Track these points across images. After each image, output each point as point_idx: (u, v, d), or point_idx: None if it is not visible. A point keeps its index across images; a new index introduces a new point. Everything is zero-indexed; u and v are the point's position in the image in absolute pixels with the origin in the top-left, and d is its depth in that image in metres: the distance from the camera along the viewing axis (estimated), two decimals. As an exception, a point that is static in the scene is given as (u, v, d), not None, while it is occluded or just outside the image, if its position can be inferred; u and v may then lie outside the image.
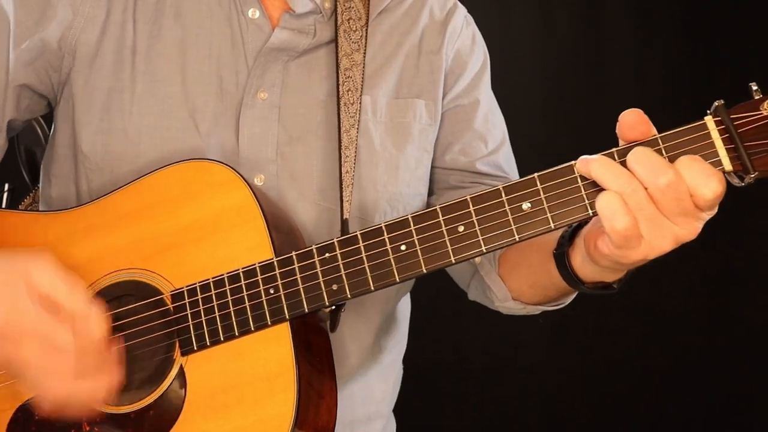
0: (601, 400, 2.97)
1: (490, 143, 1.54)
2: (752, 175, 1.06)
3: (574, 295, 1.40)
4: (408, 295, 1.62)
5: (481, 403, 3.00)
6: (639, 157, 1.07)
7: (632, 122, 1.09)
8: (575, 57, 2.98)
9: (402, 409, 1.65)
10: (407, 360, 1.65)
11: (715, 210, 1.09)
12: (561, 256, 1.24)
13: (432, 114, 1.49)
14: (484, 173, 1.50)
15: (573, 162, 1.12)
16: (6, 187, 1.68)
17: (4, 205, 1.67)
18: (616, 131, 1.11)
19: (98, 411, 1.22)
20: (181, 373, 1.22)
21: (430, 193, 1.52)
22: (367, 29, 1.46)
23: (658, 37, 2.95)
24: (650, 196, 1.06)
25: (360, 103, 1.41)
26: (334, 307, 1.24)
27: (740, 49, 2.69)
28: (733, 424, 2.93)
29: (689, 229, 1.08)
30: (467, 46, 1.56)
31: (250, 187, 1.25)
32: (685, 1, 2.96)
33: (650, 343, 2.96)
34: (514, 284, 1.45)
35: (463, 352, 2.99)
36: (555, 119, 2.87)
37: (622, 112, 1.09)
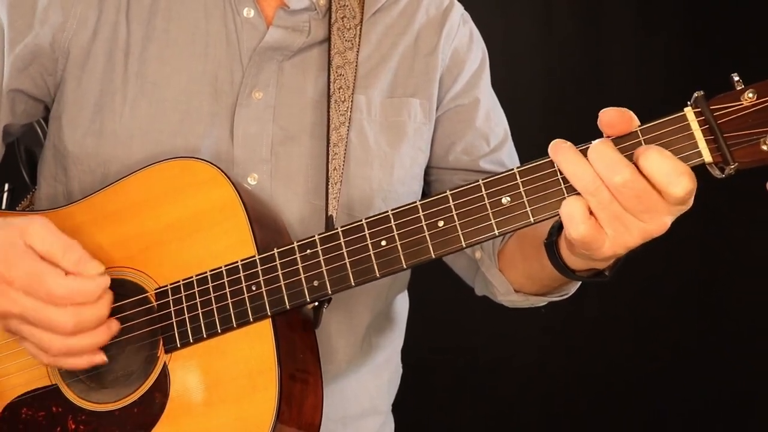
0: (599, 398, 2.96)
1: (492, 141, 1.53)
2: (732, 167, 1.04)
3: (577, 285, 1.39)
4: (405, 293, 1.62)
5: (480, 402, 3.01)
6: (598, 153, 1.06)
7: (610, 121, 1.08)
8: (575, 56, 2.98)
9: (401, 408, 1.65)
10: (406, 358, 1.65)
11: (689, 204, 1.07)
12: (550, 246, 1.24)
13: (427, 113, 1.49)
14: (488, 171, 1.49)
15: None
16: (6, 187, 1.69)
17: (4, 206, 1.67)
18: (598, 125, 1.10)
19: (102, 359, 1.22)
20: (165, 371, 1.23)
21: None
22: (361, 28, 1.46)
23: (659, 36, 2.94)
24: (611, 194, 1.06)
25: (352, 101, 1.41)
26: (316, 304, 1.24)
27: (741, 47, 2.68)
28: (731, 422, 2.92)
29: (657, 225, 1.07)
30: (464, 44, 1.55)
31: (233, 184, 1.25)
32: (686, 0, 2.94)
33: (648, 341, 2.95)
34: (513, 277, 1.45)
35: (462, 351, 2.99)
36: (555, 118, 2.87)
37: (601, 111, 1.08)
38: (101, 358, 1.20)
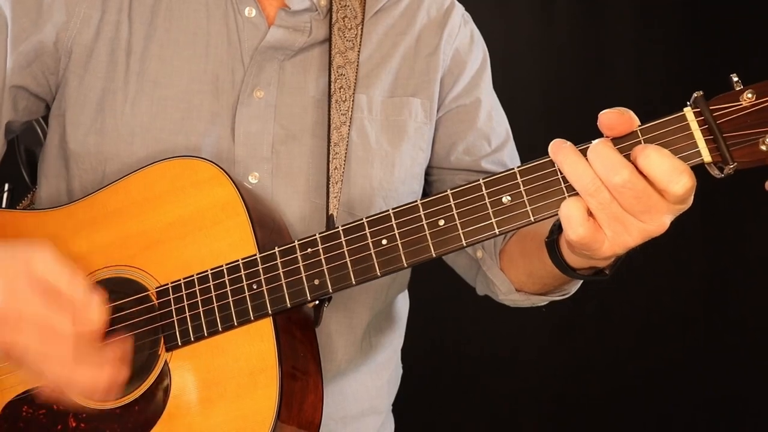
0: (602, 398, 2.96)
1: (493, 141, 1.54)
2: (731, 166, 1.05)
3: (578, 284, 1.40)
4: (406, 292, 1.62)
5: (481, 402, 3.01)
6: (597, 154, 1.06)
7: (609, 123, 1.08)
8: (575, 56, 2.98)
9: (401, 408, 1.65)
10: (406, 359, 1.65)
11: (689, 203, 1.08)
12: (551, 244, 1.24)
13: (428, 112, 1.49)
14: (490, 171, 1.49)
15: None
16: (6, 187, 1.69)
17: (4, 205, 1.68)
18: (598, 127, 1.10)
19: (102, 401, 1.23)
20: (166, 369, 1.23)
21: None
22: (362, 28, 1.46)
23: (659, 36, 2.94)
24: (610, 194, 1.06)
25: (353, 101, 1.41)
26: (317, 302, 1.25)
27: (741, 48, 2.68)
28: (734, 421, 2.92)
29: (656, 225, 1.07)
30: (465, 45, 1.56)
31: (234, 183, 1.26)
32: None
33: (649, 340, 2.95)
34: (514, 276, 1.46)
35: (462, 351, 3.00)
36: (555, 118, 2.87)
37: (601, 112, 1.09)
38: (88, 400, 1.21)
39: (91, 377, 1.16)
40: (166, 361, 1.23)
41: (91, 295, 1.16)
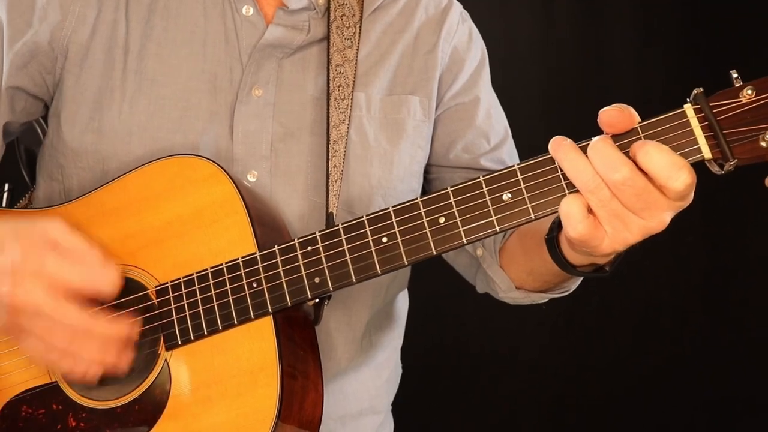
0: (601, 396, 2.96)
1: (492, 139, 1.54)
2: (732, 163, 1.05)
3: (578, 281, 1.40)
4: (405, 292, 1.62)
5: (481, 402, 3.01)
6: (596, 151, 1.07)
7: (609, 120, 1.08)
8: (575, 55, 2.98)
9: (401, 408, 1.65)
10: (406, 358, 1.65)
11: (689, 200, 1.08)
12: (551, 241, 1.24)
13: (426, 110, 1.49)
14: (489, 169, 1.49)
15: None
16: (6, 187, 1.69)
17: (4, 205, 1.68)
18: (598, 124, 1.10)
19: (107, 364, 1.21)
20: (166, 368, 1.23)
21: None
22: (360, 26, 1.46)
23: (658, 35, 2.94)
24: (610, 191, 1.06)
25: (352, 99, 1.41)
26: (317, 300, 1.25)
27: (740, 45, 2.68)
28: (733, 421, 2.92)
29: (657, 221, 1.08)
30: (464, 43, 1.56)
31: (233, 181, 1.25)
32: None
33: (649, 337, 2.96)
34: (514, 273, 1.46)
35: (462, 349, 2.99)
36: (555, 118, 2.87)
37: (601, 109, 1.09)
38: (96, 371, 1.19)
39: (104, 330, 1.18)
40: (166, 359, 1.23)
41: (107, 264, 1.19)
